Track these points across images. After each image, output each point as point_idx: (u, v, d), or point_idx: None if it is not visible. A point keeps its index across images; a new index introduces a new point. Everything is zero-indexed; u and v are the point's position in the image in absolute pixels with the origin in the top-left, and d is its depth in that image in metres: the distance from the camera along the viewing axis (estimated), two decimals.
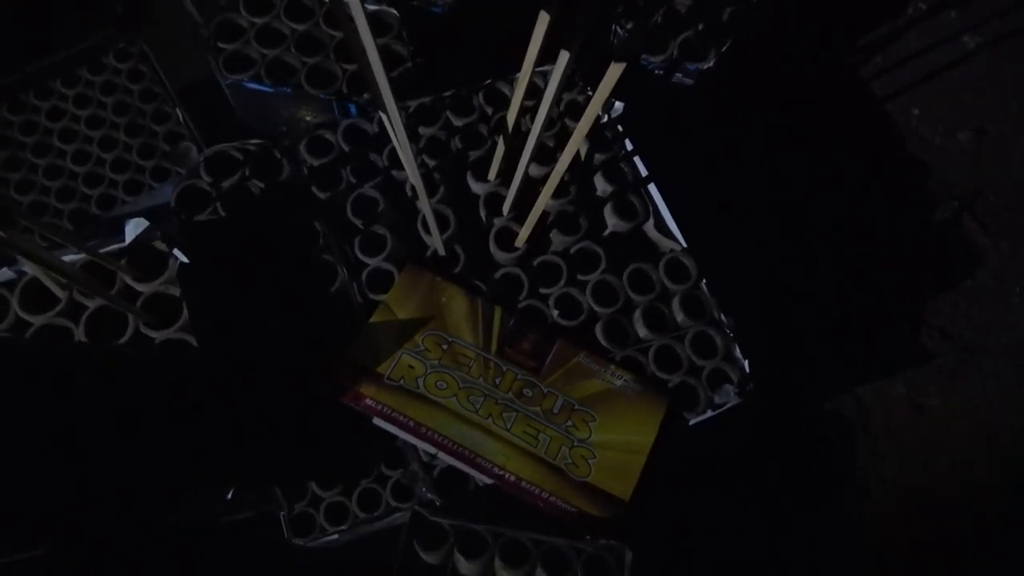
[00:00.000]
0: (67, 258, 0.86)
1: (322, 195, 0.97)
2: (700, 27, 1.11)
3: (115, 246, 0.85)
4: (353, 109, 1.06)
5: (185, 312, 0.84)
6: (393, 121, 0.76)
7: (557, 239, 0.97)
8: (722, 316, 0.94)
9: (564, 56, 0.71)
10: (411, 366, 0.87)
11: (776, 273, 1.32)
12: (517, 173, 0.90)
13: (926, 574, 1.21)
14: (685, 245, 0.97)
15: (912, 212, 1.39)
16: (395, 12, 1.07)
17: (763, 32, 1.13)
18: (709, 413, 0.91)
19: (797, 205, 1.38)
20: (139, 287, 0.83)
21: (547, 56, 0.81)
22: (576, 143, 0.82)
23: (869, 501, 1.25)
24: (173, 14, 1.38)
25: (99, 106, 1.21)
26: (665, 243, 0.98)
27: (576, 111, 1.01)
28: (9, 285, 0.83)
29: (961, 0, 1.55)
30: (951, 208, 1.40)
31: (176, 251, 0.84)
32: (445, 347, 0.89)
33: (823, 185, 1.40)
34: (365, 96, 1.03)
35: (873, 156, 1.42)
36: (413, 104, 1.02)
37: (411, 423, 0.84)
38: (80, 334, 0.83)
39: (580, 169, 1.01)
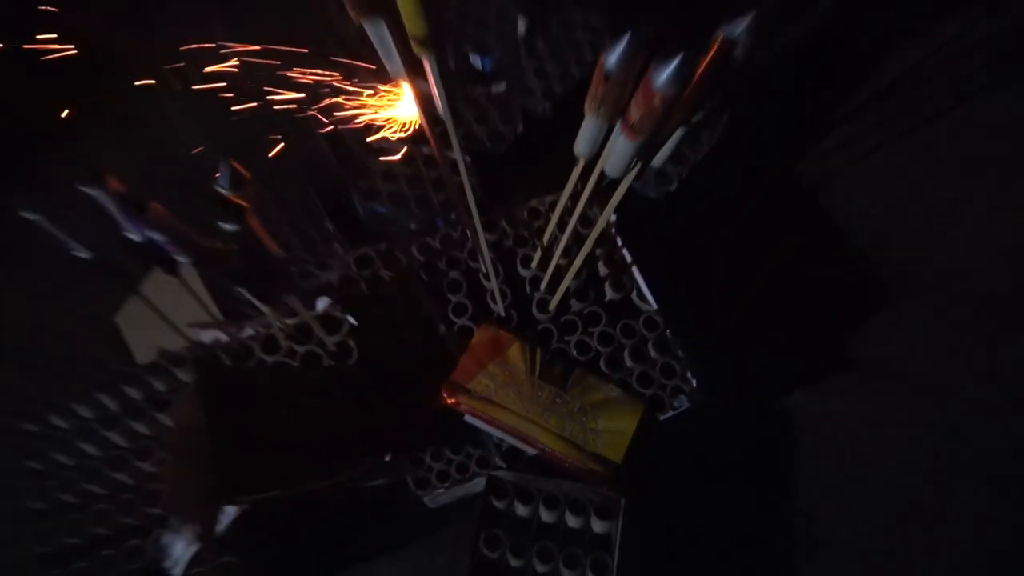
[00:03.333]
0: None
1: (426, 279, 1.55)
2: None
3: (313, 313, 1.43)
4: (440, 222, 1.65)
5: (355, 349, 1.42)
6: (478, 232, 1.34)
7: (575, 305, 1.54)
8: (679, 352, 1.50)
9: (586, 194, 1.28)
10: (487, 383, 1.44)
11: (729, 319, 1.85)
12: (550, 266, 1.48)
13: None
14: (656, 307, 1.53)
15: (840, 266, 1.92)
16: (469, 159, 1.67)
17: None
18: (671, 412, 1.47)
19: (748, 278, 1.92)
20: (328, 339, 1.42)
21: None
22: (588, 246, 1.39)
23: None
24: None
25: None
26: (644, 307, 1.55)
27: (586, 220, 1.59)
28: (254, 338, 1.42)
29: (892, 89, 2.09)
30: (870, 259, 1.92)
31: (349, 317, 1.43)
32: (507, 373, 1.45)
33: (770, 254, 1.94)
34: (452, 216, 1.62)
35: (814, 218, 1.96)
36: (481, 219, 1.61)
37: (487, 418, 1.41)
38: (296, 364, 1.42)
39: (589, 259, 1.58)
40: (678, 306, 1.56)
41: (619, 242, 1.59)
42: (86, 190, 0.96)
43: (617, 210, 1.39)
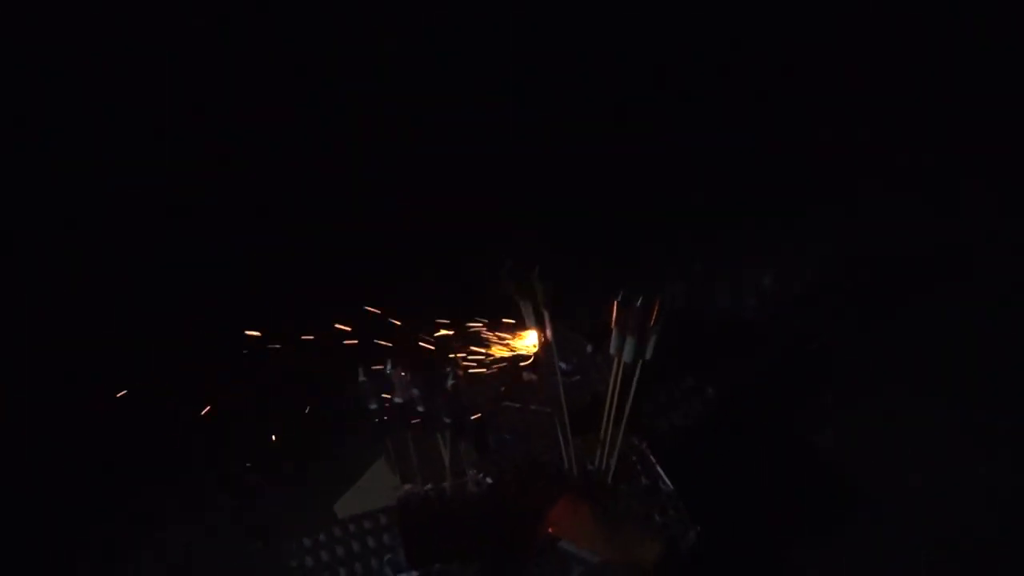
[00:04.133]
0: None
1: (531, 469, 2.59)
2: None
3: (471, 476, 2.47)
4: None
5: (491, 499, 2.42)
6: (568, 441, 2.44)
7: (622, 486, 2.52)
8: (688, 515, 2.41)
9: (618, 381, 2.40)
10: (569, 521, 2.37)
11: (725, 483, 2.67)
12: (603, 460, 2.52)
13: None
14: (672, 489, 2.49)
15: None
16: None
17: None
18: (683, 547, 2.33)
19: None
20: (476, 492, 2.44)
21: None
22: (619, 440, 2.46)
23: None
24: None
25: None
26: (666, 488, 2.51)
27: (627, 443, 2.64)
28: (432, 490, 2.46)
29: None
30: None
31: (488, 478, 2.47)
32: (581, 517, 2.39)
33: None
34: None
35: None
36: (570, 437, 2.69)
37: (572, 536, 2.31)
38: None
39: (629, 461, 2.59)
40: (691, 486, 2.52)
41: (649, 454, 2.62)
42: (387, 371, 2.20)
43: (650, 438, 2.50)
